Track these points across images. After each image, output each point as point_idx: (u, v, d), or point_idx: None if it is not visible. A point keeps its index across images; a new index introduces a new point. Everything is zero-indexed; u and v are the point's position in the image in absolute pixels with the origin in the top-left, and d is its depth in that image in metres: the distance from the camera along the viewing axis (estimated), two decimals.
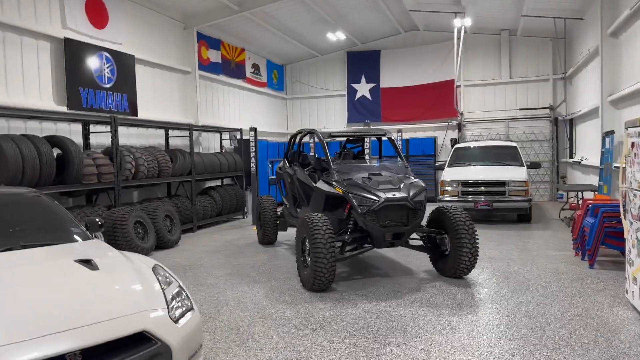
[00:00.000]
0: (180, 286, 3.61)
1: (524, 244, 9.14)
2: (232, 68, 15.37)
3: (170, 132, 12.11)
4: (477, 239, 6.59)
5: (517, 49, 17.04)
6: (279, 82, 18.99)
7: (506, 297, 5.90)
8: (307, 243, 6.27)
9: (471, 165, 12.69)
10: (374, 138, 13.37)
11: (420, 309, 5.50)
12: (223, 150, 14.13)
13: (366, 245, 6.71)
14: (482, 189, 11.54)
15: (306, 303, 5.80)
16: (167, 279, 3.61)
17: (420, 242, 7.13)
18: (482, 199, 11.45)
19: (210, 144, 14.31)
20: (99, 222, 4.77)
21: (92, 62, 9.98)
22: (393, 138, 7.78)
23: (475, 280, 6.66)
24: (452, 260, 6.64)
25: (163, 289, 3.43)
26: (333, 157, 9.34)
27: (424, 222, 7.35)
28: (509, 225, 11.44)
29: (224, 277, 7.23)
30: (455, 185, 11.88)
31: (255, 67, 17.00)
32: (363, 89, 18.61)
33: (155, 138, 11.88)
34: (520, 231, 10.62)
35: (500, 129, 17.28)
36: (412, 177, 7.07)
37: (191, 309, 3.48)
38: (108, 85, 10.36)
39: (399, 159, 7.73)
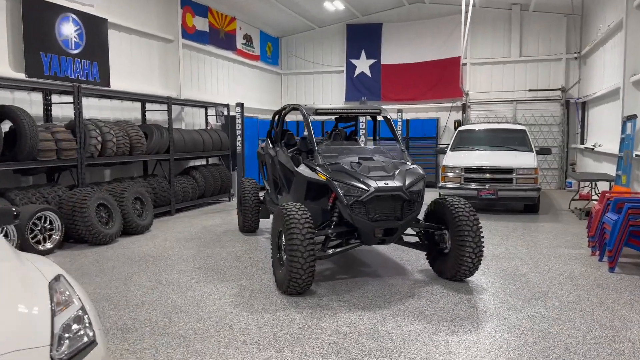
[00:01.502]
0: (82, 308, 2.64)
1: (533, 240, 8.19)
2: (220, 38, 14.25)
3: (149, 106, 11.08)
4: (482, 236, 5.63)
5: (529, 25, 15.87)
6: (274, 56, 17.85)
7: (515, 308, 4.96)
8: (283, 238, 5.32)
9: (476, 150, 11.69)
10: (369, 117, 12.33)
11: (413, 323, 4.57)
12: (208, 127, 13.11)
13: (353, 241, 5.75)
14: (487, 175, 10.56)
15: (277, 311, 4.87)
16: (67, 298, 2.65)
17: (416, 239, 6.17)
18: (487, 187, 10.48)
19: (195, 120, 13.28)
20: (14, 212, 3.79)
21: (57, 25, 8.91)
22: (389, 117, 6.77)
23: (479, 285, 5.72)
24: (452, 260, 5.70)
25: (53, 313, 2.47)
26: (323, 138, 8.36)
27: (421, 215, 6.40)
28: (515, 216, 10.49)
29: (190, 272, 6.30)
30: (457, 171, 10.89)
31: (248, 38, 15.86)
32: (362, 65, 17.47)
33: (131, 112, 10.86)
34: (527, 223, 9.67)
35: (508, 111, 16.21)
36: (409, 163, 6.08)
37: (92, 342, 2.52)
38: (75, 52, 9.30)
39: (396, 141, 6.73)
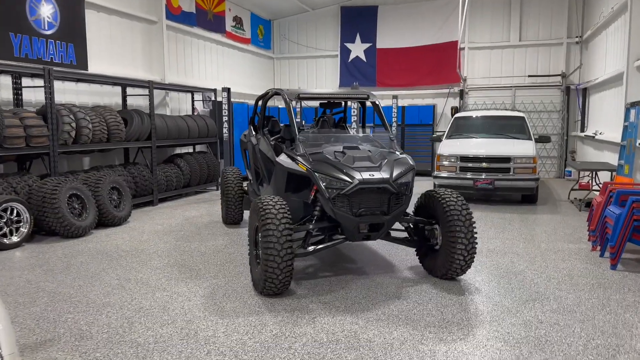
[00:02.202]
0: None
1: (530, 233, 7.78)
2: (208, 20, 13.69)
3: (130, 91, 10.56)
4: (475, 232, 5.21)
5: (529, 9, 15.31)
6: (266, 40, 17.28)
7: (510, 312, 4.55)
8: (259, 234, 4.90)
9: (472, 138, 11.24)
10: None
11: (397, 328, 4.15)
12: (195, 113, 12.62)
13: (337, 237, 5.32)
14: (484, 164, 10.12)
15: (250, 315, 4.46)
16: None
17: (405, 234, 5.74)
18: (483, 177, 10.05)
19: (181, 105, 12.77)
20: None
21: (28, 4, 8.38)
22: (377, 103, 6.30)
23: (471, 284, 5.31)
24: (443, 257, 5.28)
25: None
26: (311, 125, 7.91)
27: (410, 209, 5.97)
28: (512, 207, 10.07)
29: (163, 269, 5.87)
30: (453, 160, 10.45)
31: (238, 20, 15.29)
32: (357, 49, 16.92)
33: (112, 97, 10.36)
34: (525, 215, 9.25)
35: (506, 98, 15.72)
36: (397, 152, 5.63)
37: None
38: (49, 32, 8.78)
39: (384, 129, 6.27)
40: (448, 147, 10.79)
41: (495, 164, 10.07)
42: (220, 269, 5.87)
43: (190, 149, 12.61)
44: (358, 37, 16.83)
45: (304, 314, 4.46)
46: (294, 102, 6.14)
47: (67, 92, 9.30)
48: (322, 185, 4.94)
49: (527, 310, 4.57)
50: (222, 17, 14.33)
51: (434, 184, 11.05)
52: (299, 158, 5.28)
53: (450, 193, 5.40)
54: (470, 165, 10.24)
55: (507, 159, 10.03)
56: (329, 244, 5.25)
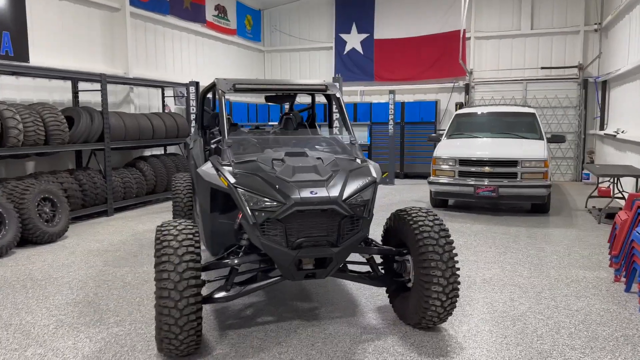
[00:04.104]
0: None
1: (538, 254, 6.39)
2: (185, 8, 12.45)
3: (84, 86, 9.34)
4: (457, 269, 3.87)
5: None
6: (255, 31, 16.00)
7: None
8: None
9: (475, 137, 9.84)
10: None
11: None
12: (166, 110, 11.39)
13: (273, 276, 4.01)
14: (486, 169, 8.73)
15: None
16: None
17: (368, 268, 4.41)
18: (486, 183, 8.66)
19: (152, 102, 11.54)
20: None
21: None
22: (338, 96, 4.96)
23: (453, 337, 3.96)
24: (415, 300, 3.95)
25: None
26: (274, 124, 6.62)
27: (375, 235, 4.62)
28: (519, 219, 8.66)
29: (63, 308, 4.62)
30: (451, 164, 9.07)
31: (221, 9, 14.03)
32: (353, 40, 15.56)
33: (63, 93, 9.15)
34: (534, 229, 7.84)
35: (517, 92, 14.25)
36: (358, 160, 4.30)
37: None
38: None
39: (345, 129, 4.93)
40: (446, 149, 9.42)
41: (499, 168, 8.68)
42: (134, 308, 4.60)
43: (161, 151, 11.39)
44: (354, 27, 15.47)
45: None
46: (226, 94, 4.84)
47: (3, 88, 8.11)
48: (247, 206, 3.64)
49: None
50: (202, 5, 13.09)
51: (430, 192, 9.69)
52: (224, 168, 3.97)
53: (425, 214, 4.07)
54: (470, 169, 8.86)
55: (513, 163, 8.63)
56: (260, 283, 3.93)
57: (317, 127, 6.43)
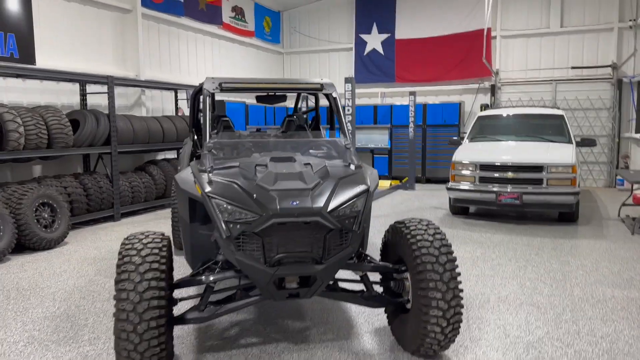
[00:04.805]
0: None
1: (562, 269, 5.83)
2: (200, 9, 12.24)
3: (92, 88, 9.17)
4: (460, 289, 3.42)
5: None
6: (274, 33, 15.72)
7: None
8: None
9: (498, 141, 9.28)
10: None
11: None
12: (180, 114, 11.17)
13: (254, 295, 3.61)
14: (509, 174, 8.17)
15: None
16: None
17: (362, 286, 3.98)
18: (509, 190, 8.10)
19: (165, 105, 11.34)
20: None
21: None
22: (334, 96, 4.56)
23: None
24: (414, 324, 3.51)
25: None
26: (277, 127, 6.26)
27: (375, 249, 4.19)
28: (545, 228, 8.07)
29: (39, 322, 4.34)
30: (471, 169, 8.54)
31: (238, 11, 13.79)
32: (374, 40, 15.10)
33: (71, 96, 9.00)
34: (560, 240, 7.26)
35: (546, 93, 13.54)
36: (352, 166, 3.88)
37: None
38: None
39: (340, 131, 4.52)
40: (466, 153, 8.89)
41: (523, 173, 8.11)
42: (112, 325, 4.28)
43: (174, 154, 11.17)
44: (375, 27, 15.01)
45: None
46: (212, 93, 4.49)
47: (9, 90, 7.99)
48: (220, 218, 3.27)
49: None
50: (218, 6, 12.87)
51: (449, 199, 9.16)
52: (200, 175, 3.62)
53: (425, 226, 3.63)
54: (492, 175, 8.32)
55: (538, 168, 8.05)
56: (238, 303, 3.55)
57: (322, 130, 6.04)
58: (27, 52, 8.13)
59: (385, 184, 12.90)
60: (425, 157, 14.01)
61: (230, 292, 3.69)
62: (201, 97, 5.65)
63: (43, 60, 8.41)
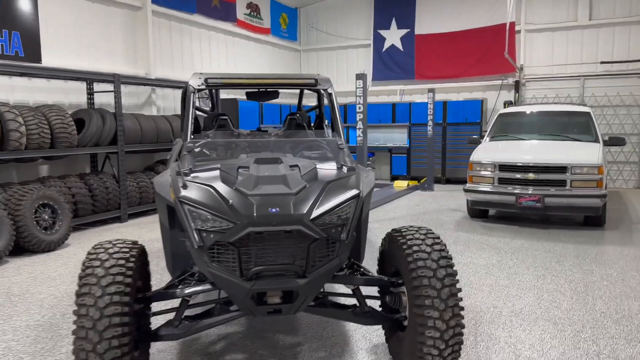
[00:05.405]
0: None
1: (585, 279, 5.38)
2: (214, 7, 12.03)
3: (100, 87, 9.02)
4: (460, 307, 3.05)
5: None
6: (291, 30, 15.43)
7: None
8: None
9: (520, 140, 8.80)
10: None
11: None
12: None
13: (235, 309, 3.31)
14: (530, 175, 7.71)
15: None
16: None
17: (355, 301, 3.63)
18: (530, 192, 7.64)
19: (177, 104, 11.17)
20: None
21: None
22: (330, 92, 4.23)
23: None
24: (410, 344, 3.15)
25: None
26: (277, 126, 5.96)
27: (372, 260, 3.86)
28: (568, 233, 7.58)
29: (21, 332, 4.14)
30: (490, 169, 8.10)
31: (253, 7, 13.54)
32: (393, 36, 14.67)
33: (79, 94, 8.87)
34: (583, 246, 6.77)
35: (573, 90, 12.92)
36: (345, 168, 3.54)
37: None
38: None
39: (333, 129, 4.19)
40: (485, 153, 8.45)
41: (545, 174, 7.64)
42: None
43: None
44: (394, 23, 14.59)
45: None
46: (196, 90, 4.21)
47: (16, 89, 7.90)
48: (192, 226, 2.98)
49: None
50: (232, 3, 12.65)
51: (467, 201, 8.73)
52: (176, 178, 3.33)
53: (423, 235, 3.27)
54: (512, 176, 7.86)
55: (561, 169, 7.57)
56: (217, 319, 3.25)
57: (326, 129, 5.71)
58: (32, 50, 8.02)
59: (402, 184, 12.50)
60: (445, 156, 13.55)
61: (210, 306, 3.40)
62: (198, 94, 5.40)
63: (50, 58, 8.30)
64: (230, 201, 2.97)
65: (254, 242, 2.94)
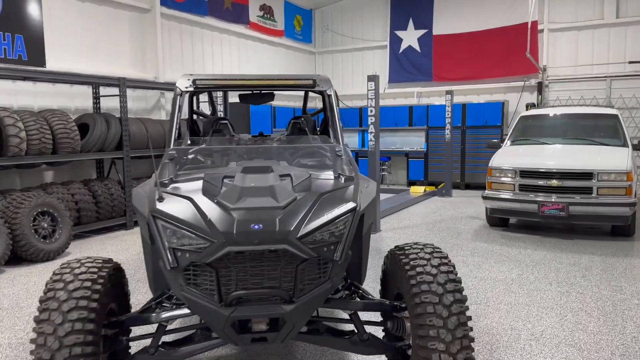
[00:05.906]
0: None
1: (614, 297, 4.92)
2: (226, 9, 11.80)
3: (106, 91, 8.83)
4: (470, 338, 2.67)
5: None
6: (305, 32, 15.14)
7: None
8: None
9: (543, 144, 8.33)
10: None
11: None
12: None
13: (216, 337, 2.99)
14: (554, 182, 7.24)
15: None
16: None
17: (352, 327, 3.27)
18: (553, 200, 7.17)
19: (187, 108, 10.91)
20: None
21: None
22: (329, 93, 3.90)
23: None
24: None
25: None
26: (281, 131, 5.65)
27: (374, 281, 3.50)
28: (594, 244, 7.08)
29: (0, 350, 3.89)
30: (510, 175, 7.65)
31: (266, 9, 13.28)
32: (410, 37, 14.25)
33: (85, 99, 8.70)
34: (611, 259, 6.29)
35: (599, 91, 12.32)
36: (342, 178, 3.19)
37: None
38: None
39: (332, 134, 3.84)
40: (504, 158, 8.00)
41: (570, 181, 7.16)
42: None
43: None
44: (411, 23, 14.17)
45: None
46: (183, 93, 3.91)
47: (19, 94, 7.75)
48: (165, 245, 2.66)
49: None
50: (245, 5, 12.40)
51: (486, 209, 8.28)
52: (153, 189, 3.03)
53: (428, 254, 2.91)
54: (534, 182, 7.40)
55: (587, 175, 7.09)
56: (197, 346, 2.92)
57: (330, 132, 5.36)
58: (36, 54, 7.86)
59: (419, 189, 12.07)
60: (464, 161, 13.09)
61: (191, 332, 3.08)
62: (194, 97, 5.11)
63: (55, 62, 8.14)
64: (209, 216, 2.65)
65: (234, 263, 2.61)
